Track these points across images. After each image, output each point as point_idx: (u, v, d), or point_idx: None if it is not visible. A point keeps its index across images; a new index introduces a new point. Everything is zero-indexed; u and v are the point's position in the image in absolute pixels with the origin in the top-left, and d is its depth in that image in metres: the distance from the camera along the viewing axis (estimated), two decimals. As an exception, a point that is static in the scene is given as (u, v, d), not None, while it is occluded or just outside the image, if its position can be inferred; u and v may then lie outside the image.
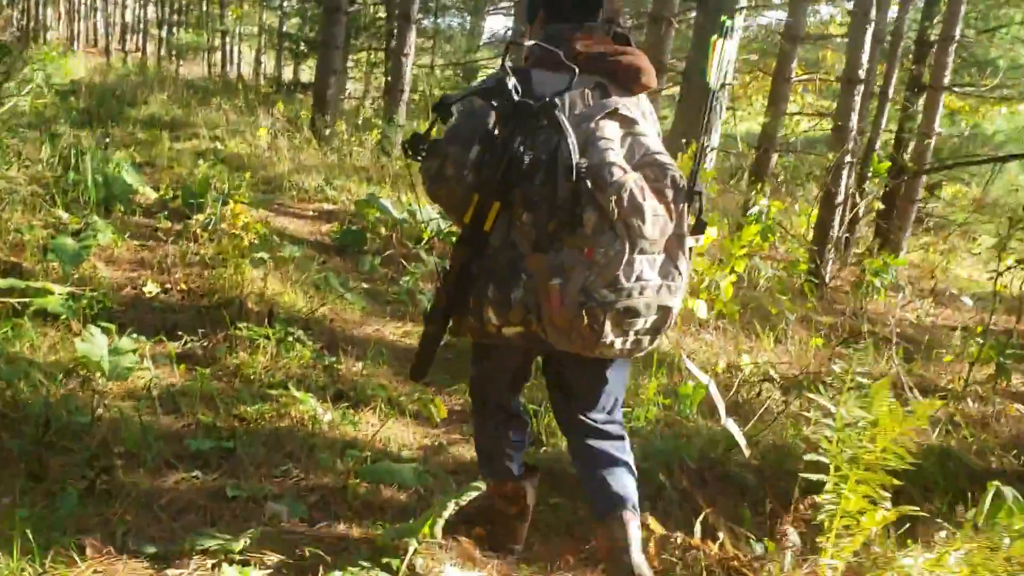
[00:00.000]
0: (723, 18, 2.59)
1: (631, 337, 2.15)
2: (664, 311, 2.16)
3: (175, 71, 22.74)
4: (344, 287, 5.09)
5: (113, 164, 6.37)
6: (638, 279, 2.09)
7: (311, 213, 7.44)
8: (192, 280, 4.68)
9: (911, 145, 10.81)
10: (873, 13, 7.71)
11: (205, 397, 3.32)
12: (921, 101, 10.12)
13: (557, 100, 2.13)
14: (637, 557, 2.33)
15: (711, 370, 4.37)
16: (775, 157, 11.84)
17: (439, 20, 20.72)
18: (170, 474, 2.80)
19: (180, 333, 3.96)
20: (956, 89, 12.22)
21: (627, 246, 2.07)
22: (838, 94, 14.26)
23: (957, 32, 9.25)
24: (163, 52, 26.01)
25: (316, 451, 3.05)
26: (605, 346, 2.12)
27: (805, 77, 14.00)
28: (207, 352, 3.78)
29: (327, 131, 12.69)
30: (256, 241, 4.96)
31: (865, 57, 7.82)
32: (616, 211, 2.06)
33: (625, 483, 2.43)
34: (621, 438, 2.52)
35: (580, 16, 2.36)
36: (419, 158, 2.28)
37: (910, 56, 10.41)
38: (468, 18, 22.79)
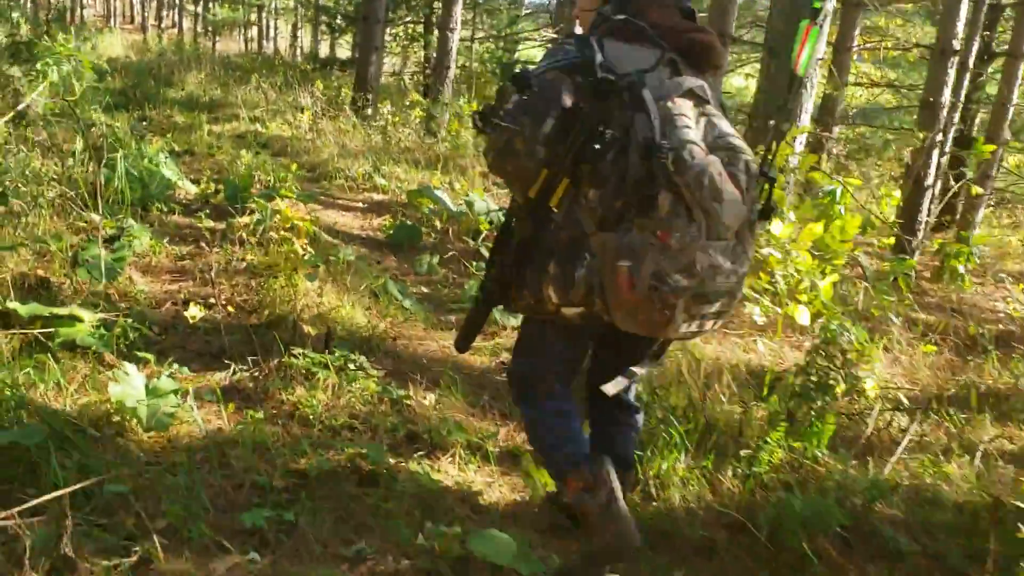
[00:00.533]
0: (815, 2, 2.42)
1: (697, 321, 2.11)
2: (732, 296, 2.12)
3: (212, 48, 22.37)
4: (403, 294, 4.59)
5: (150, 157, 5.92)
6: (712, 265, 2.03)
7: (360, 204, 6.94)
8: (238, 293, 4.20)
9: (977, 116, 10.10)
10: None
11: (259, 447, 2.84)
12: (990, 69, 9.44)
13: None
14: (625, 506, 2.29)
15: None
16: (835, 130, 11.23)
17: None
18: (221, 556, 2.31)
19: (227, 361, 3.48)
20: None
21: (704, 231, 2.01)
22: (911, 65, 13.47)
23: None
24: (199, 28, 25.68)
25: (392, 520, 2.55)
26: (673, 330, 2.09)
27: (870, 45, 13.18)
28: (258, 385, 3.29)
29: (369, 110, 12.20)
30: (307, 246, 4.47)
31: (960, 26, 7.13)
32: (695, 195, 1.99)
33: (632, 451, 2.63)
34: (639, 410, 2.68)
35: None
36: (489, 130, 2.15)
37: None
38: (511, -10, 22.05)
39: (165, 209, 5.37)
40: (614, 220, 2.08)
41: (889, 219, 7.65)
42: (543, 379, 2.44)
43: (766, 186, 2.20)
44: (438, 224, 6.42)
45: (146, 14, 28.76)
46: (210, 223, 5.37)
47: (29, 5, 23.20)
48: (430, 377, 3.64)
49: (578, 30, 2.47)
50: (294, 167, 6.78)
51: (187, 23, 27.35)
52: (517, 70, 2.22)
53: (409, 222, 6.28)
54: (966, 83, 8.81)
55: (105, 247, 4.15)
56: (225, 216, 5.45)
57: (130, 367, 2.89)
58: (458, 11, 11.20)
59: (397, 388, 3.43)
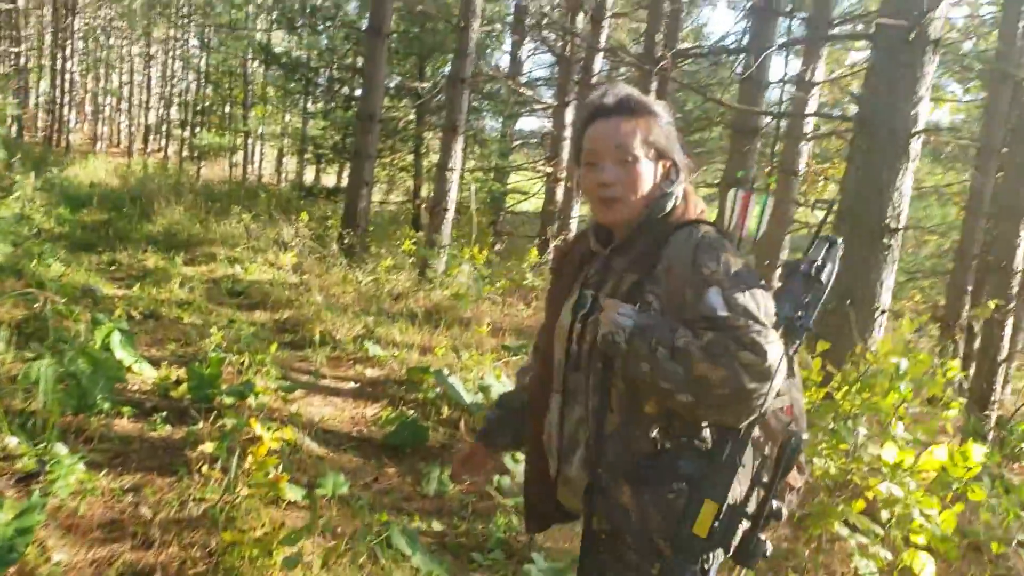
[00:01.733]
0: (739, 172, 2.10)
1: None
2: None
3: (196, 173, 21.72)
4: (413, 545, 3.49)
5: (102, 333, 4.90)
6: None
7: (351, 384, 5.90)
8: (192, 562, 3.10)
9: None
10: None
11: None
12: None
13: None
14: None
15: None
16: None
17: (472, 123, 19.58)
18: None
19: None
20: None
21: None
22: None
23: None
24: (185, 152, 25.17)
25: None
26: None
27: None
28: None
29: (358, 249, 11.32)
30: (286, 480, 3.41)
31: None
32: None
33: None
34: None
35: None
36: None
37: None
38: (501, 120, 21.66)
39: (110, 411, 4.30)
40: None
41: (954, 394, 6.73)
42: None
43: None
44: (446, 411, 5.39)
45: (133, 139, 28.32)
46: (167, 429, 4.31)
47: (15, 127, 22.63)
48: None
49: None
50: (273, 348, 5.76)
51: (173, 147, 26.88)
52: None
53: (410, 412, 5.24)
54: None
55: (16, 490, 3.07)
56: (186, 418, 4.40)
57: None
58: (458, 149, 10.43)
59: None
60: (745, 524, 1.69)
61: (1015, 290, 6.40)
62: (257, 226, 12.73)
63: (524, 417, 2.13)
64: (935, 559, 3.70)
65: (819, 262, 1.78)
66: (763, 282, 1.76)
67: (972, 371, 6.73)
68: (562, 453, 1.93)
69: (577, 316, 1.87)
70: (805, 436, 1.72)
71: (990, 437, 6.37)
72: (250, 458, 3.35)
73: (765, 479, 1.70)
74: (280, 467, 3.54)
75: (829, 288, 1.80)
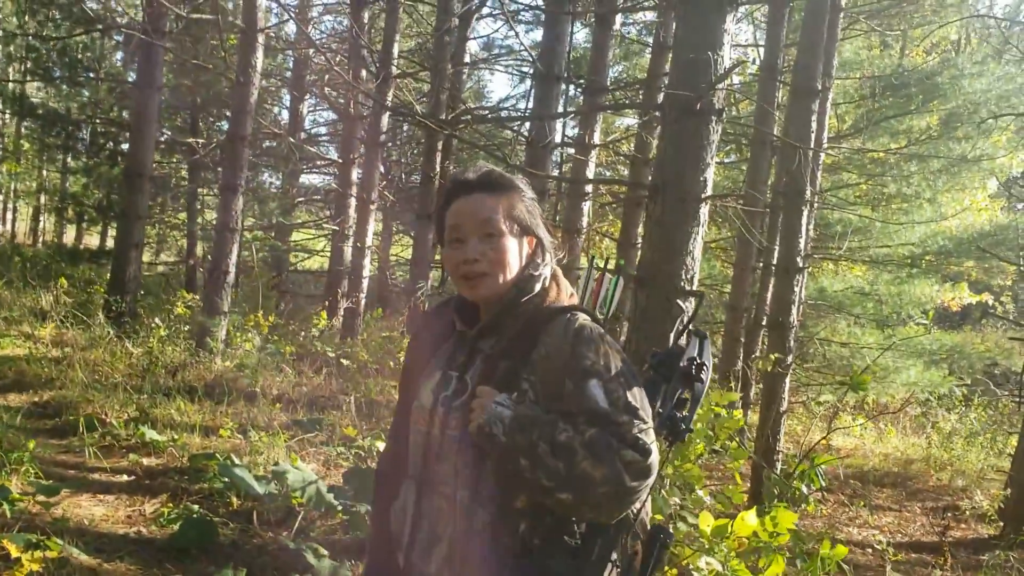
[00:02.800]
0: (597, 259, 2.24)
1: None
2: None
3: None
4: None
5: None
6: None
7: (125, 477, 5.29)
8: None
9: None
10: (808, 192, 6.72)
11: None
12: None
13: None
14: None
15: None
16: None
17: (251, 179, 18.84)
18: None
19: None
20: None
21: None
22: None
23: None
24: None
25: None
26: None
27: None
28: None
29: (127, 317, 10.45)
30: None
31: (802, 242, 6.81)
32: None
33: None
34: None
35: None
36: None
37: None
38: (281, 176, 21.01)
39: None
40: None
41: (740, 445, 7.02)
42: None
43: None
44: (235, 502, 4.92)
45: None
46: None
47: None
48: None
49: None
50: (32, 444, 5.06)
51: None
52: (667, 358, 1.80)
53: (195, 506, 4.74)
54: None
55: None
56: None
57: None
58: (239, 209, 9.89)
59: None
60: None
61: (791, 344, 6.77)
62: (9, 293, 11.51)
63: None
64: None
65: (698, 360, 1.76)
66: (638, 378, 1.71)
67: (754, 421, 7.04)
68: (415, 547, 1.75)
69: (439, 400, 1.76)
70: (671, 530, 1.69)
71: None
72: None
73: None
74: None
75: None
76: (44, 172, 20.30)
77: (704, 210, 5.14)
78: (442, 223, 1.84)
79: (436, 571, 1.71)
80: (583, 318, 1.76)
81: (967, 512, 7.48)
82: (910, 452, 10.24)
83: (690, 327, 1.83)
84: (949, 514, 7.43)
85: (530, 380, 1.68)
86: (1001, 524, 6.77)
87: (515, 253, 1.80)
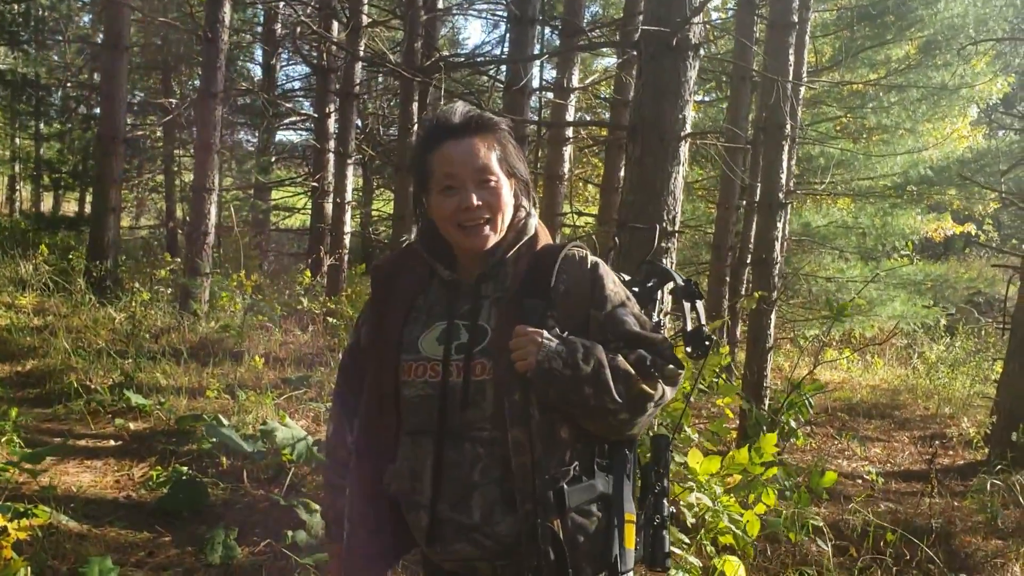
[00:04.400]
0: None
1: None
2: None
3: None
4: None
5: None
6: None
7: (112, 442, 5.26)
8: None
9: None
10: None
11: None
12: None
13: None
14: None
15: None
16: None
17: (227, 138, 18.57)
18: None
19: None
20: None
21: None
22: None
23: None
24: None
25: None
26: None
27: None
28: None
29: (109, 283, 10.35)
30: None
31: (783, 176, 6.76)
32: None
33: None
34: None
35: None
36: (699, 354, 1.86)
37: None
38: (257, 134, 20.73)
39: None
40: None
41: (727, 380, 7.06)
42: None
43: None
44: (225, 462, 4.91)
45: None
46: None
47: None
48: None
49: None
50: (14, 412, 5.01)
51: None
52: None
53: (184, 468, 4.72)
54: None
55: None
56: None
57: None
58: (215, 168, 9.75)
59: None
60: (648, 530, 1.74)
61: (776, 280, 6.77)
62: (-11, 264, 11.37)
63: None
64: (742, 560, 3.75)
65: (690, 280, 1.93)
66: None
67: (742, 359, 7.07)
68: (443, 500, 1.71)
69: (452, 348, 1.73)
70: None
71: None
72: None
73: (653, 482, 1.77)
74: (30, 570, 3.00)
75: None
76: (17, 140, 19.95)
77: (684, 149, 5.08)
78: (426, 168, 1.77)
79: (482, 517, 1.69)
80: (587, 252, 1.79)
81: (954, 439, 7.57)
82: (896, 383, 10.33)
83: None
84: (936, 442, 7.51)
85: (554, 316, 1.70)
86: (987, 449, 6.85)
87: (509, 197, 1.78)
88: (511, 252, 1.78)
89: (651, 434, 1.89)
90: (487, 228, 1.74)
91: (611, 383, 1.64)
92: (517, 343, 1.65)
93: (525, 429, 1.66)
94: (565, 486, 1.66)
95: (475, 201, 1.71)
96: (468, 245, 1.76)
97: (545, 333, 1.66)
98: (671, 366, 1.72)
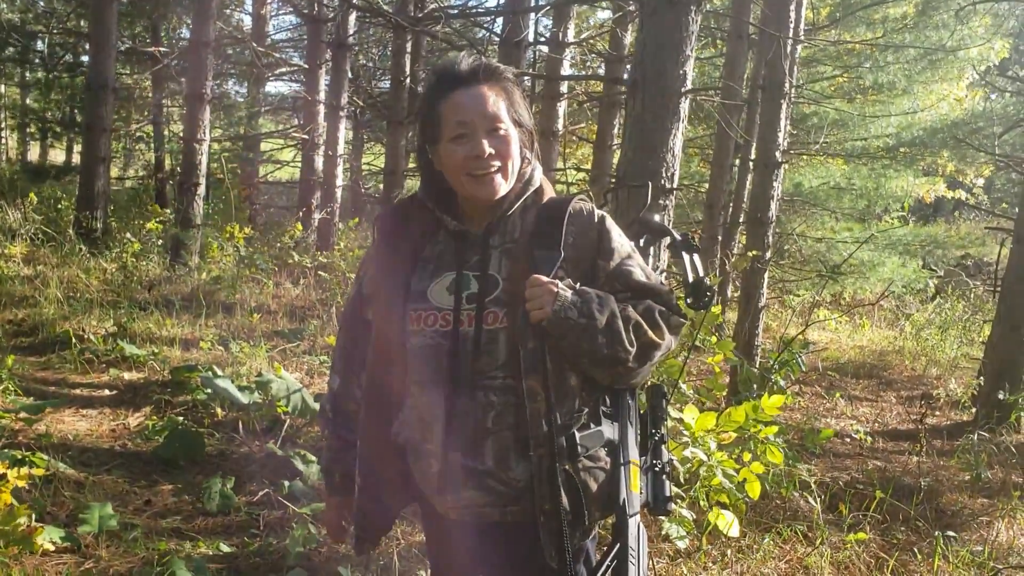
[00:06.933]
0: None
1: None
2: None
3: None
4: (200, 574, 3.10)
5: None
6: None
7: (107, 392, 5.27)
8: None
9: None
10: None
11: None
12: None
13: None
14: None
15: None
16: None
17: (215, 88, 18.32)
18: None
19: None
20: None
21: None
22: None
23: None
24: None
25: None
26: None
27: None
28: None
29: (100, 233, 10.27)
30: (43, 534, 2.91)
31: (780, 136, 6.74)
32: None
33: None
34: None
35: None
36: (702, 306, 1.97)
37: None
38: (246, 85, 20.46)
39: None
40: None
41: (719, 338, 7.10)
42: None
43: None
44: (220, 413, 4.93)
45: None
46: None
47: None
48: None
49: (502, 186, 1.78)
50: (10, 360, 5.00)
51: None
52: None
53: (180, 418, 4.73)
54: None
55: None
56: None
57: None
58: (206, 119, 9.66)
59: None
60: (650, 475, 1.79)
61: (770, 240, 6.77)
62: (-24, 213, 11.26)
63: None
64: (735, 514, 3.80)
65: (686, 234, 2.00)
66: None
67: (734, 318, 7.11)
68: (454, 447, 1.72)
69: (463, 298, 1.73)
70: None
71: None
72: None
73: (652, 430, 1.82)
74: (32, 516, 3.01)
75: None
76: (2, 87, 19.65)
77: (684, 105, 5.04)
78: (436, 118, 1.76)
79: (496, 463, 1.70)
80: (592, 205, 1.82)
81: (941, 400, 7.64)
82: (884, 344, 10.41)
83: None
84: (924, 402, 7.58)
85: (564, 267, 1.72)
86: (974, 410, 6.93)
87: (518, 147, 1.78)
88: (518, 203, 1.79)
89: (647, 385, 1.92)
90: (499, 176, 1.74)
91: (623, 333, 1.68)
92: (532, 293, 1.66)
93: (540, 377, 1.67)
94: (576, 432, 1.69)
95: (487, 149, 1.71)
96: (479, 194, 1.74)
97: (560, 284, 1.67)
98: (676, 316, 1.78)
